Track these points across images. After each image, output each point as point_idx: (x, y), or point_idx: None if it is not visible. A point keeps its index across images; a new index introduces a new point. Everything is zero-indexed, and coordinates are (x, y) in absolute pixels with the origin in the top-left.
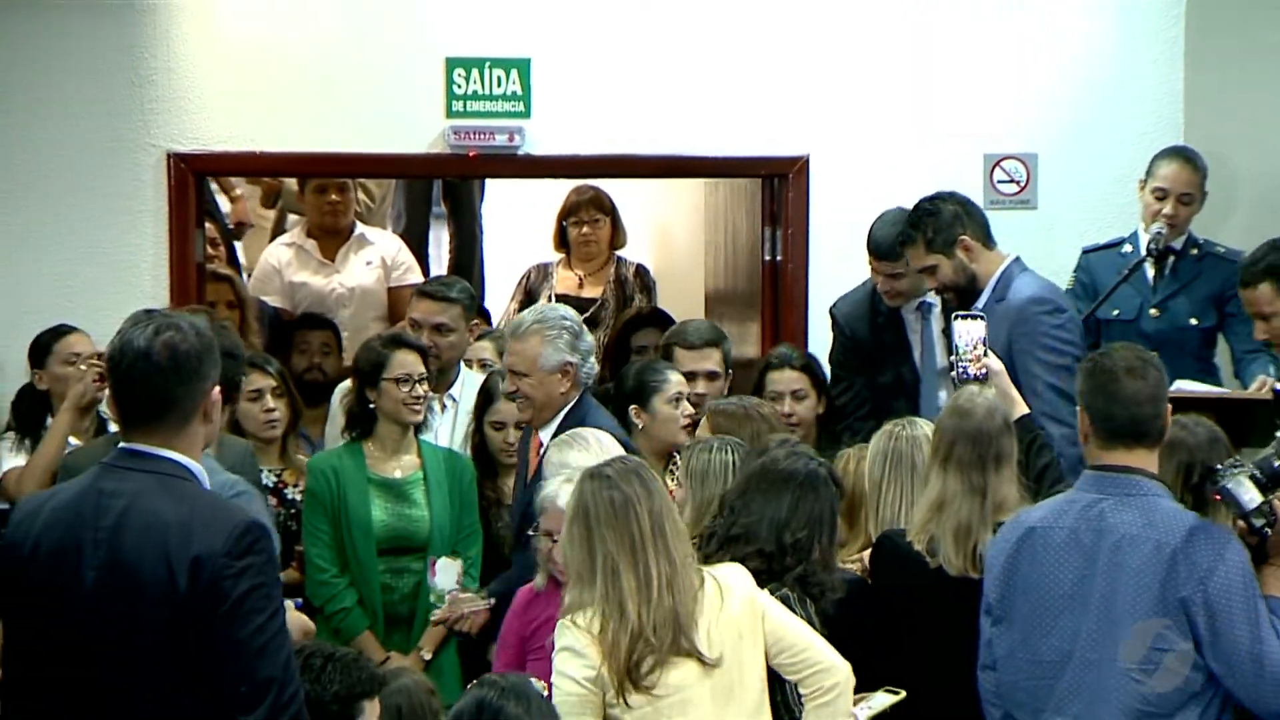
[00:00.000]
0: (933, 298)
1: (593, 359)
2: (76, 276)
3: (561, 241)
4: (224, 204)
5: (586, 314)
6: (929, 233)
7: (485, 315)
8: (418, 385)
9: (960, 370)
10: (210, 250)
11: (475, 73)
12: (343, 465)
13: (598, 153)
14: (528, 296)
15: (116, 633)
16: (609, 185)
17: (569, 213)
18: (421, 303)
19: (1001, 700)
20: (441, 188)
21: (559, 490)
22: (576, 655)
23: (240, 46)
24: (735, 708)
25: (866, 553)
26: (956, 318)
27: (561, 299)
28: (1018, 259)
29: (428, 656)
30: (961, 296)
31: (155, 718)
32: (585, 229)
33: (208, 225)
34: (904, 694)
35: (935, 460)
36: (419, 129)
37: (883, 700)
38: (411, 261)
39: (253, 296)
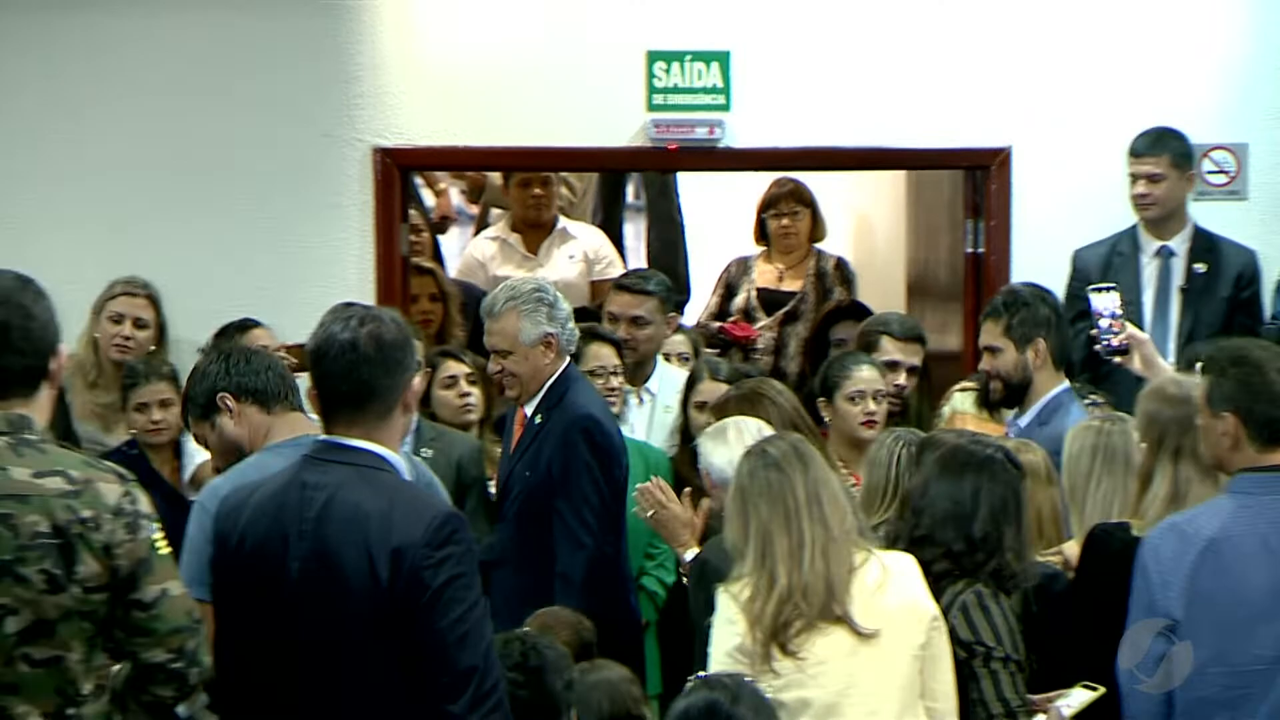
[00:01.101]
0: (1176, 244)
1: (572, 325)
2: (282, 270)
3: (761, 234)
4: (428, 198)
5: (786, 307)
6: (1013, 319)
7: (681, 309)
8: (611, 378)
9: (1104, 343)
10: (414, 238)
11: (676, 66)
12: None
13: (798, 145)
14: (728, 290)
15: (322, 623)
16: (809, 177)
17: (768, 205)
18: (619, 296)
19: (1184, 715)
20: (643, 181)
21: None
22: (728, 624)
23: (445, 42)
24: (885, 690)
25: (1068, 545)
26: (1091, 291)
27: (761, 292)
28: (1070, 389)
29: None
30: (1009, 392)
31: (361, 707)
32: (785, 221)
33: (414, 216)
34: (1103, 690)
35: (1160, 451)
36: (620, 123)
37: (1082, 697)
38: (613, 255)
39: (457, 290)
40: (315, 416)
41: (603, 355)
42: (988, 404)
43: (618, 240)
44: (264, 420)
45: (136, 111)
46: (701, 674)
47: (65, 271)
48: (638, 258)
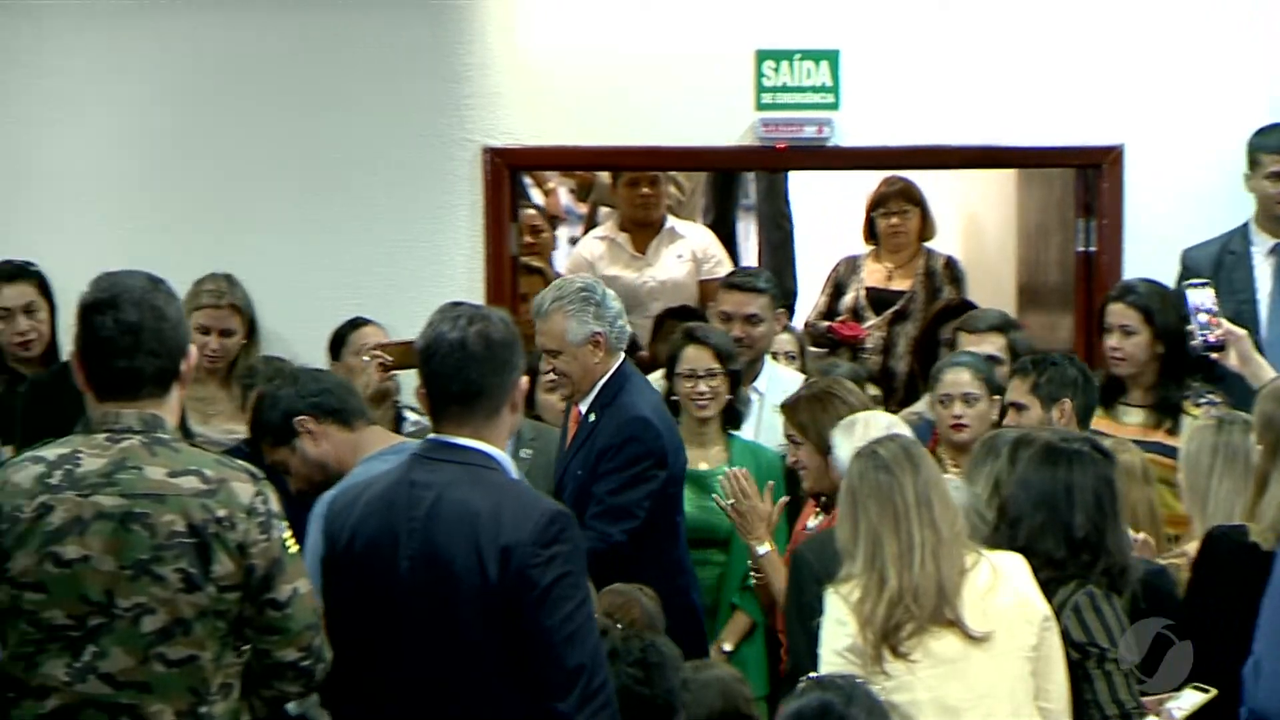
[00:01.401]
0: None
1: (622, 322)
2: (392, 270)
3: (870, 233)
4: (537, 197)
5: (895, 306)
6: (1041, 377)
7: (789, 308)
8: (702, 381)
9: (1201, 339)
10: (532, 239)
11: (785, 65)
12: None
13: (907, 144)
14: (836, 289)
15: (432, 621)
16: (918, 176)
17: (877, 204)
18: (730, 295)
19: None
20: (756, 180)
21: None
22: (839, 625)
23: (554, 42)
24: (998, 691)
25: (1190, 545)
26: (1187, 287)
27: (870, 291)
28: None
29: (728, 648)
30: None
31: (469, 703)
32: (894, 220)
33: (530, 214)
34: (1215, 692)
35: (1277, 454)
36: (728, 122)
37: (1193, 699)
38: (722, 254)
39: None
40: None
41: (698, 358)
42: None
43: (730, 239)
44: (348, 437)
45: (249, 113)
46: (814, 675)
47: (186, 273)
48: (749, 258)
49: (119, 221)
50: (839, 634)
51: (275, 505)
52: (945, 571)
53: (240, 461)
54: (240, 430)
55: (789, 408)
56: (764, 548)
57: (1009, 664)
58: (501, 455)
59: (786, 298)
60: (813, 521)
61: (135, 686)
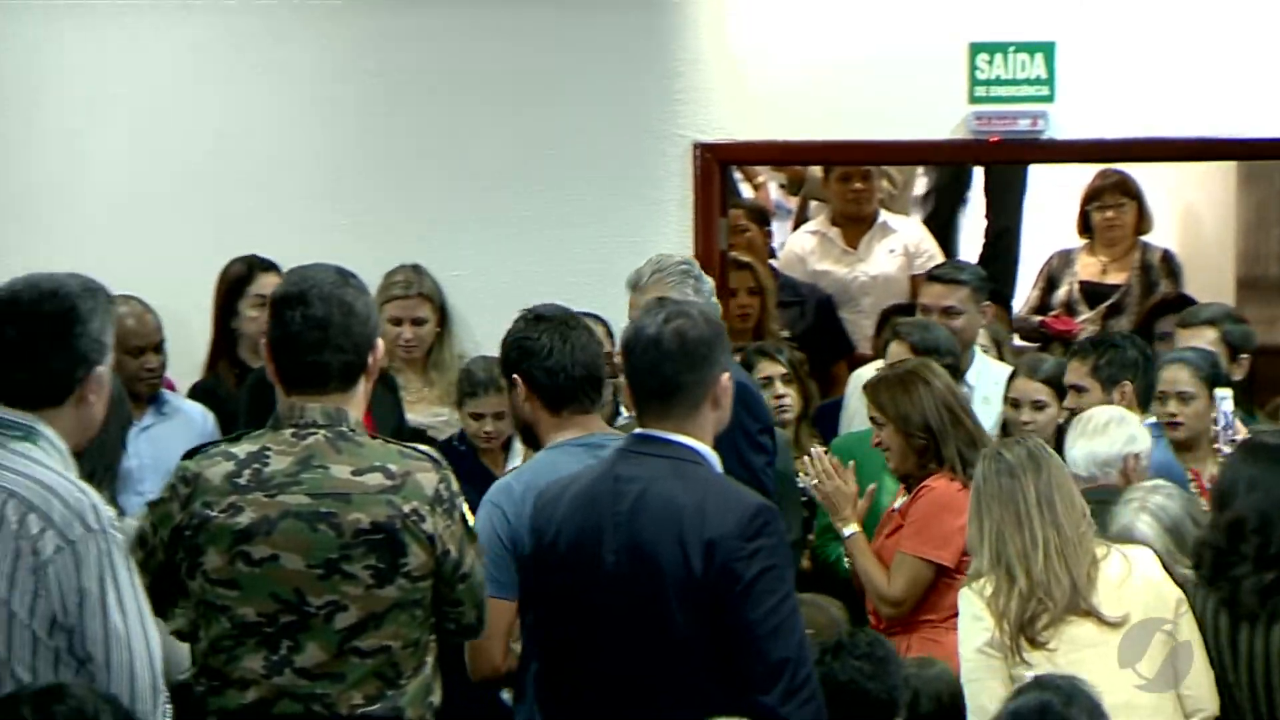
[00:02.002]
0: None
1: (715, 301)
2: (601, 265)
3: (1085, 227)
4: (747, 192)
5: (1110, 300)
6: (1101, 359)
7: (1006, 303)
8: (776, 384)
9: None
10: (754, 237)
11: (999, 58)
12: (859, 451)
13: (1123, 136)
14: (1049, 283)
15: (637, 614)
16: (1134, 169)
17: (1092, 197)
18: (930, 286)
19: None
20: (983, 175)
21: (1134, 520)
22: (975, 620)
23: (765, 36)
24: (1138, 673)
25: None
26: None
27: (1084, 285)
28: (1155, 424)
29: None
30: None
31: (675, 696)
32: (1109, 214)
33: (738, 211)
34: None
35: None
36: (940, 115)
37: None
38: (934, 249)
39: (776, 284)
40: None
41: (898, 354)
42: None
43: (954, 235)
44: (549, 419)
45: (460, 110)
46: (1034, 674)
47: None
48: (973, 251)
49: (333, 217)
50: (976, 629)
51: (455, 485)
52: (1074, 567)
53: (423, 448)
54: (445, 413)
55: (871, 388)
56: (850, 529)
57: (1146, 649)
58: (706, 449)
59: (992, 288)
60: (897, 503)
61: (329, 678)
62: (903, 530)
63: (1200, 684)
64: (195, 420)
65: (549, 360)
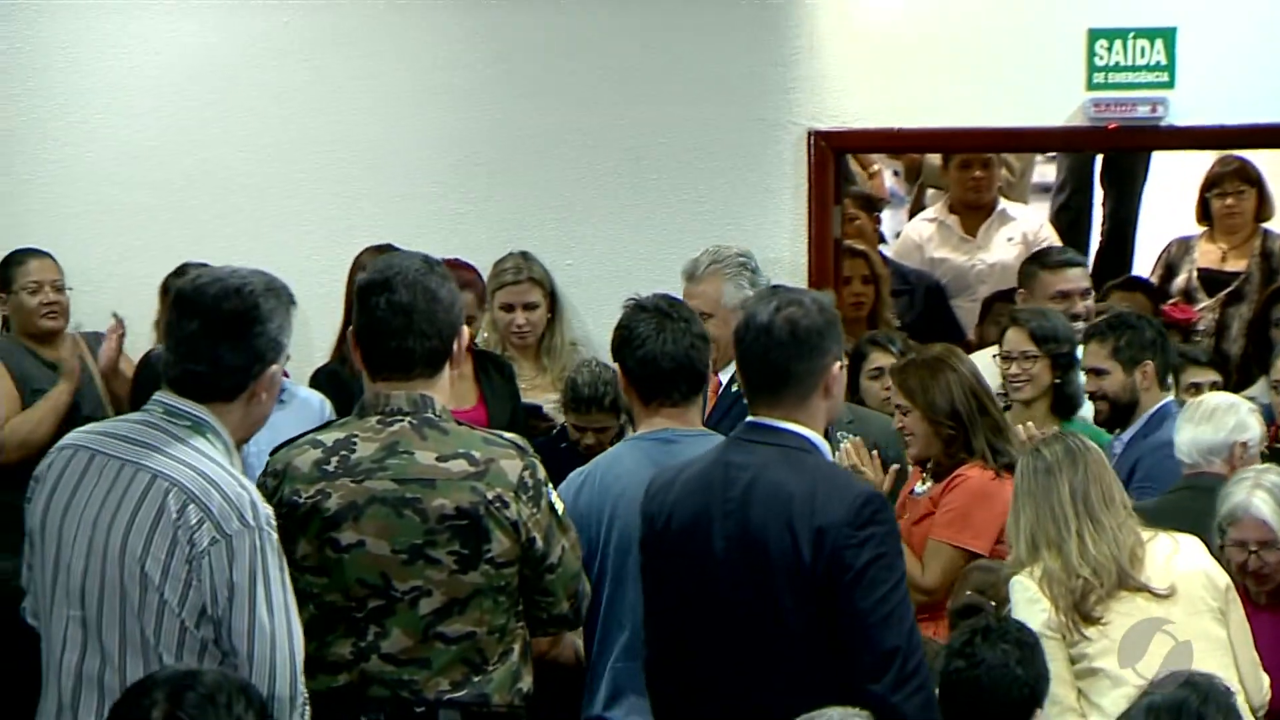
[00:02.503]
0: None
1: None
2: None
3: (1204, 214)
4: (861, 180)
5: (1229, 288)
6: (1120, 340)
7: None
8: (1015, 363)
9: None
10: (864, 224)
11: (1118, 44)
12: None
13: (1244, 123)
14: (1167, 271)
15: (747, 600)
16: (1254, 155)
17: (1212, 184)
18: (1068, 271)
19: None
20: (1101, 163)
21: (1250, 497)
22: (1032, 603)
23: (879, 24)
24: (1194, 643)
25: None
26: None
27: (1203, 273)
28: (1174, 401)
29: None
30: (1115, 413)
31: (787, 681)
32: (1229, 201)
33: (851, 200)
34: None
35: None
36: (1058, 102)
37: None
38: (1053, 237)
39: (889, 273)
40: None
41: (1015, 340)
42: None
43: (1087, 224)
44: (639, 410)
45: (574, 98)
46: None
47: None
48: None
49: (450, 205)
50: (1034, 611)
51: (542, 473)
52: (1118, 552)
53: (509, 436)
54: (557, 398)
55: (898, 373)
56: None
57: (1199, 619)
58: (816, 437)
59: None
60: (920, 487)
61: (415, 664)
62: (935, 518)
63: (1250, 674)
64: (313, 407)
65: (640, 350)
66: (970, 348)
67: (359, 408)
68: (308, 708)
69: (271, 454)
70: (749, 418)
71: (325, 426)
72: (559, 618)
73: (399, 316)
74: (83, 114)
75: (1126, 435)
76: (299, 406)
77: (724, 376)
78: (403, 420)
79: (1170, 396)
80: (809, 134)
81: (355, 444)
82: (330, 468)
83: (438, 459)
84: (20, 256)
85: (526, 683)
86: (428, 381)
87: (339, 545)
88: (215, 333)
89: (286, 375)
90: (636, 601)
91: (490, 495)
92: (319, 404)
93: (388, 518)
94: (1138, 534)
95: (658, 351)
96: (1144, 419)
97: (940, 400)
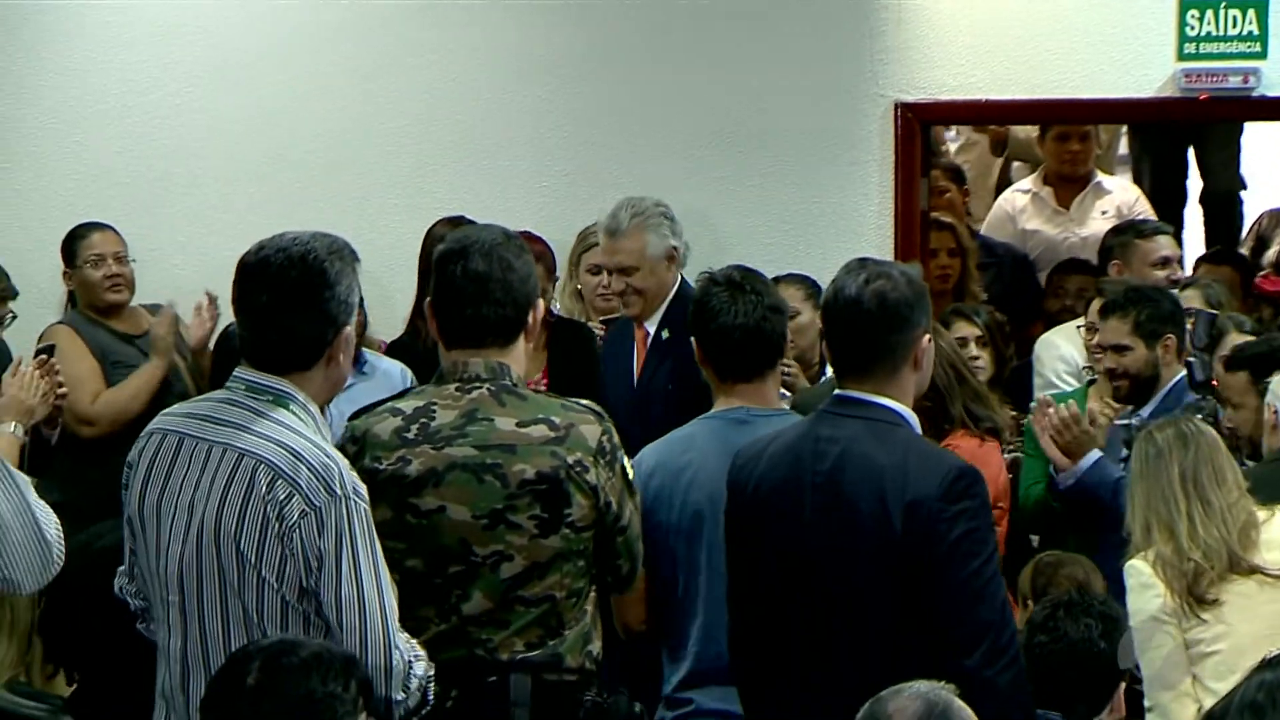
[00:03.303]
0: None
1: (687, 239)
2: (802, 224)
3: None
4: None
5: None
6: (1140, 315)
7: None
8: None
9: None
10: (954, 197)
11: (1209, 14)
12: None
13: None
14: (1258, 243)
15: (835, 572)
16: None
17: None
18: (1161, 239)
19: None
20: (1194, 136)
21: None
22: (1145, 588)
23: None
24: None
25: None
26: None
27: None
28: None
29: None
30: (1135, 387)
31: (872, 654)
32: None
33: (938, 175)
34: None
35: None
36: (1148, 73)
37: None
38: (1147, 209)
39: (976, 245)
40: None
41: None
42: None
43: (1180, 191)
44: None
45: (662, 69)
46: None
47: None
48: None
49: (538, 176)
50: (1147, 597)
51: (616, 439)
52: (1229, 533)
53: (585, 401)
54: None
55: None
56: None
57: None
58: (906, 410)
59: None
60: None
61: (493, 626)
62: None
63: None
64: (394, 377)
65: (714, 324)
66: (1052, 320)
67: (437, 376)
68: (431, 680)
69: (349, 421)
70: (837, 390)
71: (403, 394)
72: (622, 579)
73: (474, 285)
74: (169, 90)
75: (1146, 411)
76: (381, 377)
77: (650, 326)
78: (481, 387)
79: (1183, 370)
80: (895, 106)
81: (434, 411)
82: (410, 434)
83: (518, 424)
84: (82, 230)
85: (596, 645)
86: (501, 351)
87: (419, 511)
88: (285, 303)
89: (377, 348)
90: (710, 584)
91: (571, 460)
92: (400, 374)
93: (468, 483)
94: (1252, 514)
95: (730, 324)
96: (1162, 394)
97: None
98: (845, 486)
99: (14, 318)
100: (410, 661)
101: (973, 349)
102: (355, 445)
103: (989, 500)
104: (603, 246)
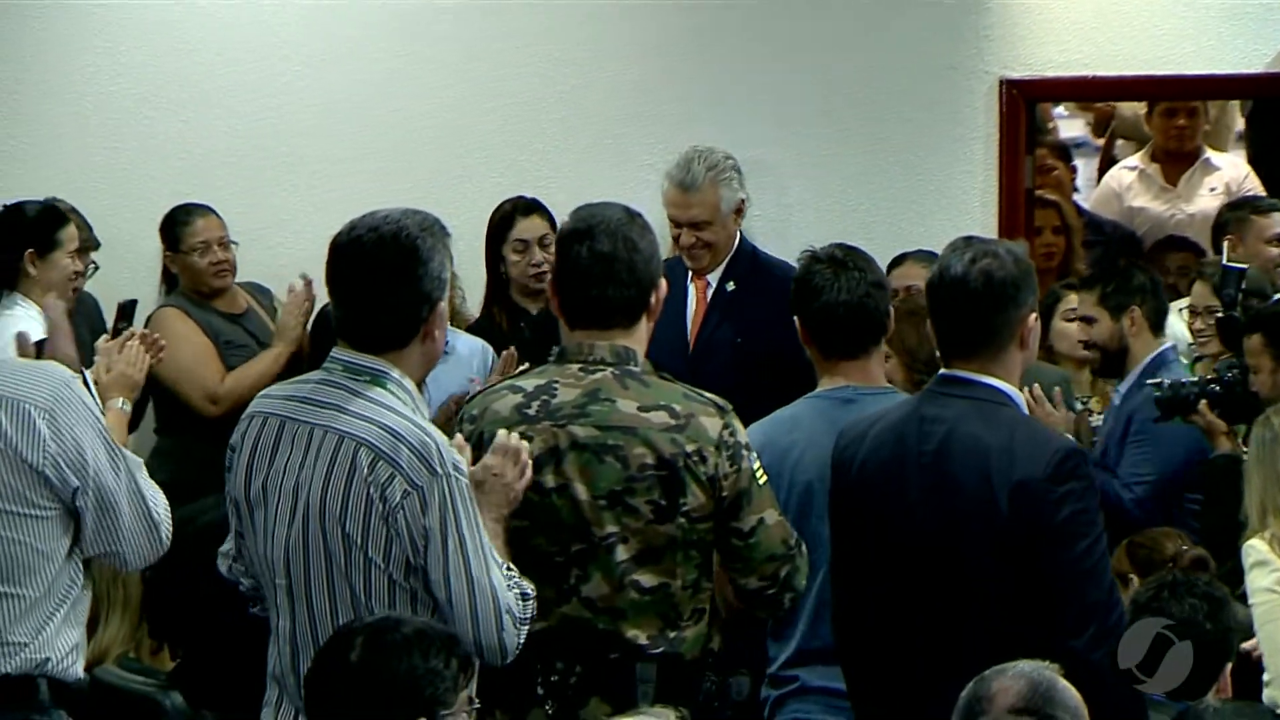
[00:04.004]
0: None
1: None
2: (904, 203)
3: None
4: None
5: None
6: (1107, 288)
7: None
8: (1200, 318)
9: None
10: (1061, 175)
11: None
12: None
13: None
14: None
15: (941, 553)
16: None
17: None
18: (1272, 216)
19: None
20: None
21: None
22: (1262, 564)
23: None
24: None
25: None
26: None
27: None
28: (1174, 347)
29: None
30: (1106, 360)
31: (977, 635)
32: None
33: (1044, 153)
34: None
35: None
36: (1260, 47)
37: None
38: (1256, 187)
39: (1081, 223)
40: None
41: (1200, 295)
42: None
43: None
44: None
45: (763, 47)
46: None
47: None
48: None
49: (637, 155)
50: (1264, 572)
51: (742, 436)
52: None
53: (708, 395)
54: None
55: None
56: None
57: None
58: (1012, 390)
59: None
60: None
61: (610, 613)
62: None
63: None
64: (475, 355)
65: (817, 301)
66: None
67: (558, 354)
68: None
69: (467, 400)
70: (943, 370)
71: (522, 373)
72: (748, 591)
73: (600, 265)
74: (278, 69)
75: (1124, 386)
76: (456, 356)
77: (712, 279)
78: (604, 370)
79: (1168, 343)
80: (1000, 82)
81: (556, 389)
82: (531, 411)
83: (639, 409)
84: (184, 215)
85: (716, 641)
86: (625, 332)
87: (541, 488)
88: (379, 282)
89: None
90: (819, 564)
91: (690, 449)
92: (482, 350)
93: (589, 463)
94: None
95: (833, 300)
96: (1140, 368)
97: (920, 348)
98: (951, 467)
99: (95, 268)
100: (520, 620)
101: (1077, 328)
102: (473, 423)
103: (1096, 480)
104: (673, 199)
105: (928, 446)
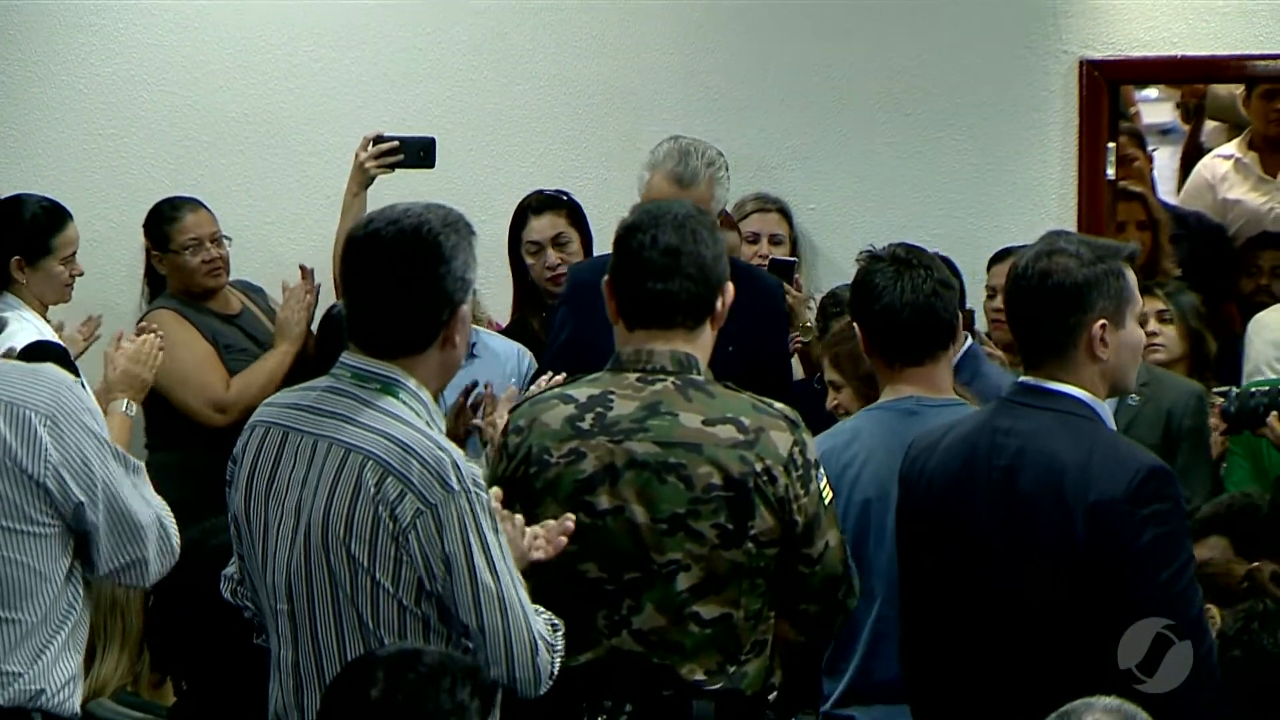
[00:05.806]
0: None
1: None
2: (977, 193)
3: None
4: (1149, 116)
5: None
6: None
7: None
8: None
9: None
10: (1142, 165)
11: None
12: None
13: None
14: None
15: (1009, 574)
16: None
17: None
18: None
19: None
20: None
21: None
22: None
23: None
24: None
25: None
26: None
27: None
28: (976, 345)
29: None
30: None
31: (1052, 665)
32: None
33: (1124, 141)
34: None
35: None
36: None
37: None
38: None
39: (1168, 216)
40: None
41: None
42: None
43: None
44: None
45: (827, 30)
46: None
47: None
48: None
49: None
50: None
51: (813, 454)
52: None
53: (778, 406)
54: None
55: (829, 346)
56: None
57: None
58: (1097, 402)
59: None
60: None
61: (667, 647)
62: None
63: None
64: (508, 358)
65: (878, 303)
66: (1245, 299)
67: (614, 361)
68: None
69: (512, 410)
70: (1020, 378)
71: (574, 381)
72: (805, 617)
73: (665, 256)
74: (299, 53)
75: None
76: (490, 358)
77: None
78: (665, 380)
79: (969, 341)
80: (1080, 63)
81: (612, 401)
82: (585, 425)
83: (704, 423)
84: (172, 211)
85: (777, 677)
86: (689, 335)
87: (595, 510)
88: (396, 280)
89: (496, 327)
90: (873, 591)
91: (759, 467)
92: (517, 354)
93: (649, 483)
94: None
95: (896, 302)
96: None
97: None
98: (1023, 486)
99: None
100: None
101: (1152, 323)
102: (519, 435)
103: (1183, 503)
104: (663, 193)
105: (999, 461)
